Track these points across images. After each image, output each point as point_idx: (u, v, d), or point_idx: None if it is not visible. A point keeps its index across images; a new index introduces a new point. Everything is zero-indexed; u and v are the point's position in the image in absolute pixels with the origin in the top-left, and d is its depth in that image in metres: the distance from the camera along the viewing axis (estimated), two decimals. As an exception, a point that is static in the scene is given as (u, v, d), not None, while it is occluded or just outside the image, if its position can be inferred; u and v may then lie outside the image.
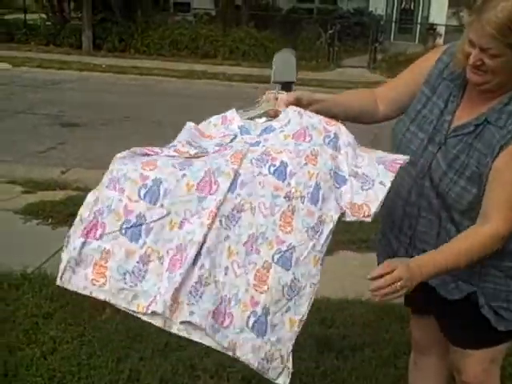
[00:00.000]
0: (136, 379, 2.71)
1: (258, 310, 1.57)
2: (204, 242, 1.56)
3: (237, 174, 1.64)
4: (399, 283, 1.58)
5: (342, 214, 1.67)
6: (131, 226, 1.57)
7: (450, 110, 1.79)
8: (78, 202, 5.11)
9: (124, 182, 1.61)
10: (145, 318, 1.54)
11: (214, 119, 1.87)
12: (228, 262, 1.59)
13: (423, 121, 1.83)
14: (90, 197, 1.63)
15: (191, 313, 1.52)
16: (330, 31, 17.19)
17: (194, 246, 1.55)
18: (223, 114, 1.86)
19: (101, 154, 6.81)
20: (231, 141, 1.77)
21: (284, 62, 4.74)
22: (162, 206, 1.58)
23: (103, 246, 1.57)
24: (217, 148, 1.75)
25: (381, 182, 1.69)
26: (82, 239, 1.57)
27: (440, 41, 18.14)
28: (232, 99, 10.98)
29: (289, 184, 1.66)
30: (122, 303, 1.55)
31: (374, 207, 1.66)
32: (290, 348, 1.59)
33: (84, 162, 6.39)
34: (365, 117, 1.94)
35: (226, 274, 1.58)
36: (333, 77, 14.44)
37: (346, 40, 18.41)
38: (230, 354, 1.55)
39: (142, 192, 1.59)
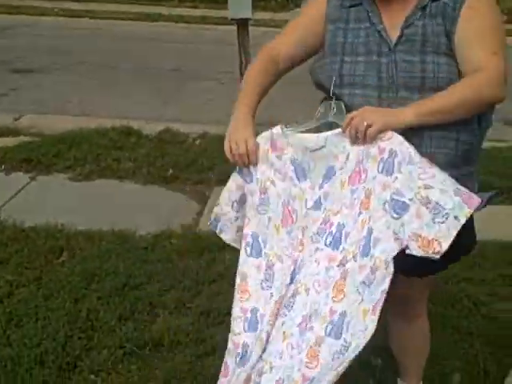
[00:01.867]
0: (95, 318, 2.71)
1: None
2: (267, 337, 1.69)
3: (297, 261, 1.70)
4: (355, 120, 1.61)
5: (406, 247, 1.53)
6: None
7: (378, 22, 1.77)
8: (31, 148, 5.03)
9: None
10: None
11: (263, 140, 1.73)
12: (283, 346, 1.65)
13: (354, 47, 1.78)
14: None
15: None
16: (289, -30, 16.83)
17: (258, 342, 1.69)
18: (271, 132, 1.73)
19: (55, 99, 6.64)
20: (290, 193, 1.71)
21: (239, -3, 4.67)
22: (262, 331, 1.71)
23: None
24: (281, 209, 1.72)
25: (456, 217, 1.49)
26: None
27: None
28: (189, 42, 10.76)
29: (343, 249, 1.64)
30: None
31: (445, 244, 1.50)
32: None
33: (38, 108, 6.22)
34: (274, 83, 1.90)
35: (280, 357, 1.64)
36: (291, 17, 14.20)
37: (305, -21, 18.05)
38: None
39: (246, 325, 1.74)
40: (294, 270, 1.71)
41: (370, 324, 1.54)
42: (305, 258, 1.70)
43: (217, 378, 2.33)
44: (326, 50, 1.83)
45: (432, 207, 1.50)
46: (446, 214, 1.49)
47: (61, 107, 6.35)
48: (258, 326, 1.73)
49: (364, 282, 1.57)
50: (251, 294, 1.75)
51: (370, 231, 1.58)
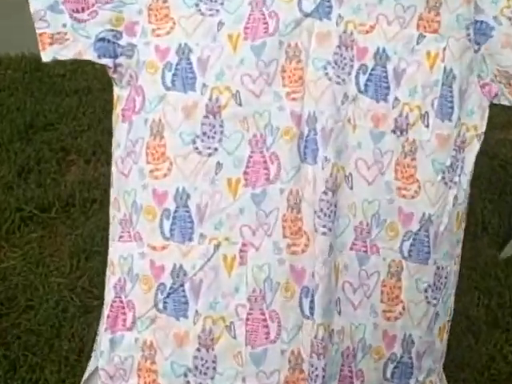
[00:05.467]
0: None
1: (397, 349, 1.02)
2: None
3: (305, 125, 0.96)
4: None
5: (495, 95, 1.04)
6: (169, 294, 0.98)
7: None
8: None
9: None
10: None
11: None
12: (339, 291, 0.99)
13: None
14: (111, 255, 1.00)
15: None
16: None
17: (278, 288, 0.98)
18: None
19: None
20: None
21: None
22: (201, 235, 0.97)
23: (140, 337, 0.99)
24: (247, 8, 0.96)
25: None
26: (109, 334, 0.99)
27: None
28: None
29: (396, 99, 0.98)
30: None
31: None
32: (441, 366, 1.08)
33: None
34: None
35: (339, 312, 1.00)
36: None
37: None
38: None
39: (168, 227, 0.96)
40: (308, 137, 0.98)
41: (461, 235, 1.08)
42: (325, 112, 0.98)
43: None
44: None
45: None
46: None
47: None
48: (194, 227, 0.99)
49: (451, 166, 1.05)
50: (172, 162, 0.98)
51: (451, 75, 1.03)
